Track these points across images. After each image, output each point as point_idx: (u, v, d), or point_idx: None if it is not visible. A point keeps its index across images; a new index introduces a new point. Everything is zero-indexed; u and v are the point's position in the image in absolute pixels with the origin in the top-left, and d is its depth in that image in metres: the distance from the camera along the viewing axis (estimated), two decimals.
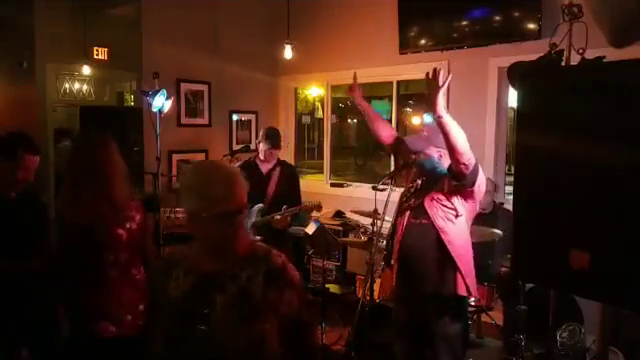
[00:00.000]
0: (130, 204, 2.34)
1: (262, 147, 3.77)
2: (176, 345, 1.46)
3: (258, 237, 3.64)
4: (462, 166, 2.40)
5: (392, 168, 5.15)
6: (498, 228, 3.55)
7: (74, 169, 2.31)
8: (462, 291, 2.59)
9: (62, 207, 2.28)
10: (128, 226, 2.30)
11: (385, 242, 2.98)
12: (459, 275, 2.58)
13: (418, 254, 2.64)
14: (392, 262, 2.82)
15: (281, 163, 3.89)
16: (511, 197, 3.34)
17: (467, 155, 2.39)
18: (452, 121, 2.33)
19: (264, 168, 3.81)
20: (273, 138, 3.79)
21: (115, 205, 2.25)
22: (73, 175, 2.29)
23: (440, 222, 2.57)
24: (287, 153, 6.34)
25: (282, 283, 1.53)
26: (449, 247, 2.57)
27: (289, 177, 3.86)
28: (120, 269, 2.28)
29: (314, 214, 4.36)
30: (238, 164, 4.12)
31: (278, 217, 3.62)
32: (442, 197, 2.59)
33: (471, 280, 2.63)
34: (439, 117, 2.29)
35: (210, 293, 1.48)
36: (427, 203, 2.61)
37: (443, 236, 2.56)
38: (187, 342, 1.45)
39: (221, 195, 1.44)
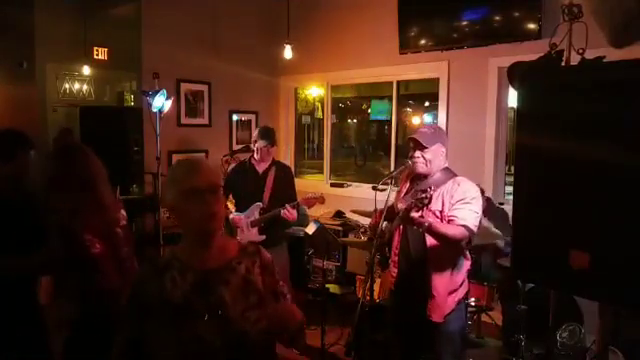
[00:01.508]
0: (116, 204, 2.49)
1: (258, 145, 3.76)
2: (190, 344, 1.49)
3: (262, 236, 3.66)
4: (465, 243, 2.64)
5: (392, 168, 5.16)
6: (492, 224, 3.56)
7: (63, 179, 2.33)
8: (435, 316, 2.60)
9: (65, 219, 2.27)
10: (121, 224, 2.46)
11: (376, 245, 2.99)
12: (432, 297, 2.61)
13: (415, 260, 2.67)
14: (391, 267, 2.82)
15: (276, 163, 3.89)
16: (511, 197, 3.33)
17: (464, 236, 2.55)
18: (438, 224, 2.51)
19: (260, 168, 3.80)
20: (269, 136, 3.78)
21: (107, 208, 2.39)
22: (63, 185, 2.32)
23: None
24: (287, 153, 6.35)
25: (274, 274, 1.67)
26: (426, 253, 2.61)
27: (284, 176, 3.85)
28: (129, 262, 2.46)
29: (315, 210, 4.36)
30: (232, 165, 4.12)
31: (288, 209, 3.62)
32: (439, 210, 2.59)
33: (441, 306, 2.61)
34: (427, 227, 2.45)
35: (215, 287, 1.54)
36: (425, 212, 2.60)
37: (425, 245, 2.60)
38: (201, 339, 1.49)
39: (183, 173, 1.55)
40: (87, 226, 2.27)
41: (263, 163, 3.81)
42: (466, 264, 2.70)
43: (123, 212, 2.52)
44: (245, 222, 3.74)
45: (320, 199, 3.74)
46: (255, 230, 3.71)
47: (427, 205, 2.39)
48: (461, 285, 2.66)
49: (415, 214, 2.39)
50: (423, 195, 2.35)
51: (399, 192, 2.87)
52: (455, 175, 2.68)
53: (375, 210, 3.05)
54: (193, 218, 1.53)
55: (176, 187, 1.53)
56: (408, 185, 2.80)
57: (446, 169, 2.71)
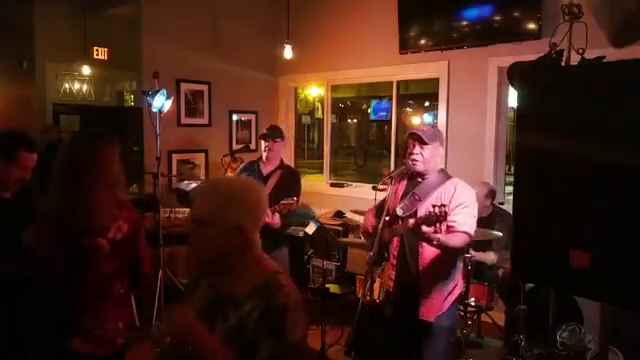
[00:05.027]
0: (119, 211, 2.09)
1: (261, 146, 3.67)
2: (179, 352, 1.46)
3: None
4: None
5: (392, 168, 5.16)
6: (496, 231, 3.55)
7: (59, 168, 2.09)
8: (427, 316, 2.62)
9: (45, 208, 2.07)
10: (112, 236, 2.05)
11: (375, 244, 2.98)
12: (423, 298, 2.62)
13: (412, 266, 2.68)
14: (389, 269, 2.83)
15: (284, 167, 3.73)
16: (511, 197, 3.33)
17: (467, 242, 2.60)
18: (446, 236, 2.48)
19: (265, 170, 3.66)
20: (268, 132, 3.64)
21: (98, 211, 2.02)
22: (58, 174, 2.08)
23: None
24: (287, 153, 6.35)
25: (278, 325, 1.40)
26: (419, 259, 2.62)
27: (288, 182, 3.64)
28: (100, 282, 2.07)
29: (316, 210, 4.28)
30: (242, 165, 4.00)
31: (267, 213, 3.45)
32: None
33: (435, 307, 2.62)
34: (437, 243, 2.45)
35: (214, 319, 1.45)
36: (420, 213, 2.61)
37: (420, 249, 2.61)
38: (184, 354, 1.43)
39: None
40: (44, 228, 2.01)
41: (270, 165, 3.65)
42: (460, 266, 2.75)
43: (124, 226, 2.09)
44: None
45: (293, 204, 3.44)
46: None
47: (442, 221, 2.36)
48: (455, 287, 2.70)
49: (427, 229, 2.36)
50: (438, 212, 2.32)
51: (395, 192, 2.83)
52: (450, 177, 2.70)
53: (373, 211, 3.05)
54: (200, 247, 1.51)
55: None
56: (405, 185, 2.78)
57: (441, 170, 2.73)
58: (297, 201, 3.38)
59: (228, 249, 1.45)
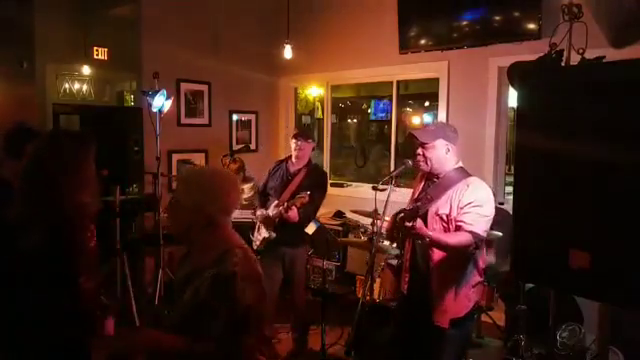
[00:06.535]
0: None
1: (292, 145, 3.83)
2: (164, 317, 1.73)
3: (273, 233, 3.65)
4: (472, 249, 2.50)
5: (392, 168, 5.16)
6: (498, 231, 3.54)
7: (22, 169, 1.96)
8: (441, 321, 2.51)
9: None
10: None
11: (398, 253, 2.96)
12: (437, 303, 2.52)
13: (423, 268, 2.61)
14: (403, 272, 2.79)
15: (311, 166, 3.89)
16: (511, 197, 3.33)
17: (470, 243, 2.44)
18: (442, 235, 2.45)
19: (292, 167, 3.84)
20: (298, 130, 3.86)
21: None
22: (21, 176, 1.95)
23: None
24: (287, 153, 6.34)
25: (228, 291, 1.60)
26: (430, 263, 2.53)
27: (313, 181, 3.77)
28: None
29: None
30: (273, 164, 4.10)
31: (275, 211, 3.58)
32: (446, 214, 2.52)
33: (448, 311, 2.51)
34: (430, 240, 2.39)
35: (187, 285, 1.69)
36: (430, 215, 2.54)
37: (430, 251, 2.52)
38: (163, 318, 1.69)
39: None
40: None
41: (297, 164, 3.83)
42: (476, 272, 2.58)
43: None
44: (260, 217, 3.78)
45: (306, 198, 3.55)
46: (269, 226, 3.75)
47: (415, 216, 2.33)
48: (472, 292, 2.56)
49: (407, 224, 2.31)
50: (413, 207, 2.34)
51: (413, 194, 2.82)
52: (468, 175, 2.60)
53: (375, 210, 3.04)
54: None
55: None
56: (422, 186, 2.74)
57: (459, 169, 2.63)
58: (310, 195, 3.54)
59: (191, 224, 1.70)
